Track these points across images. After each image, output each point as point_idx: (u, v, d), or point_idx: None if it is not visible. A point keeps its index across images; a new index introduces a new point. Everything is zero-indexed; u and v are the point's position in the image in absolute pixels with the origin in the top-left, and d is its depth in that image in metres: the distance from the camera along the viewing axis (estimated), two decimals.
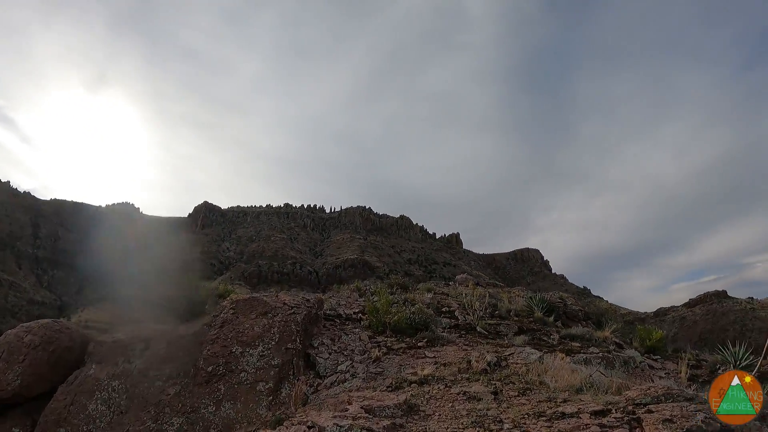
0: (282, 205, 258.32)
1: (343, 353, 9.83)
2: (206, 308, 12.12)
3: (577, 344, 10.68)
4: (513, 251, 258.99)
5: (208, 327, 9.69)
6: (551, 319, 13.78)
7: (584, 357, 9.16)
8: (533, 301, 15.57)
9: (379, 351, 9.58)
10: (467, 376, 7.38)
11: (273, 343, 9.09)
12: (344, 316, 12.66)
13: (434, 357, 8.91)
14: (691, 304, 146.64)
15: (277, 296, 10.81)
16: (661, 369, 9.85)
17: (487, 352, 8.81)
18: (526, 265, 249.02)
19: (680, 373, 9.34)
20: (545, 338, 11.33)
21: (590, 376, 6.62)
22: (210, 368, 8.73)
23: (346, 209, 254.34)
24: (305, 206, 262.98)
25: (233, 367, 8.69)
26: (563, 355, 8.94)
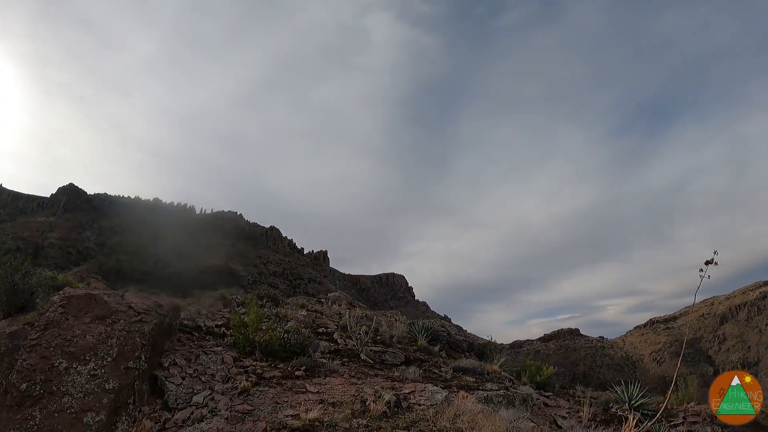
0: (151, 199, 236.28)
1: (200, 379, 7.57)
2: (37, 301, 9.66)
3: (472, 379, 9.73)
4: (379, 274, 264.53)
5: (29, 327, 7.21)
6: (436, 348, 12.87)
7: (485, 395, 8.14)
8: (416, 327, 14.64)
9: (247, 380, 7.50)
10: (365, 422, 5.73)
11: (110, 358, 6.71)
12: (205, 328, 10.27)
13: (318, 392, 7.11)
14: (545, 338, 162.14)
15: (122, 297, 8.19)
16: (557, 407, 9.28)
17: (383, 388, 7.26)
18: (391, 290, 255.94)
19: (580, 412, 8.83)
20: (436, 370, 10.22)
21: (515, 421, 5.48)
22: (24, 386, 6.17)
23: (217, 212, 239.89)
24: (175, 203, 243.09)
25: (54, 388, 6.21)
26: (465, 393, 7.82)
